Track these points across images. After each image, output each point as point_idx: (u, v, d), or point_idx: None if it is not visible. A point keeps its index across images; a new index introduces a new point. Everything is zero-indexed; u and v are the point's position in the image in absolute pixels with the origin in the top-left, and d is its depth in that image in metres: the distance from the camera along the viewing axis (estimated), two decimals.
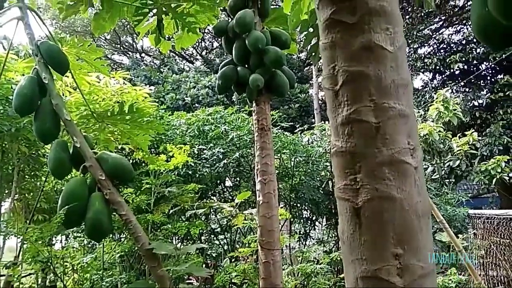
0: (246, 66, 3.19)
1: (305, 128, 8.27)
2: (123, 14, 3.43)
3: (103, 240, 3.34)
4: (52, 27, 17.58)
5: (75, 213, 2.43)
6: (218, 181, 6.16)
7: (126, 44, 23.50)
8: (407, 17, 14.12)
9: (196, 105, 16.91)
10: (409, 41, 13.73)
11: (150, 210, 3.51)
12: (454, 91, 13.22)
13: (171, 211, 3.93)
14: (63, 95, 4.30)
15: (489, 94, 12.96)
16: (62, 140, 2.62)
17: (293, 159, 6.20)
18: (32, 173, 4.64)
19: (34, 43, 2.64)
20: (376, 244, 0.71)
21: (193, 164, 5.02)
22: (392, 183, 0.69)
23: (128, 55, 23.90)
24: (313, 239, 7.17)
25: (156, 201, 3.81)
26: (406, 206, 0.70)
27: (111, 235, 4.23)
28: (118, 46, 23.13)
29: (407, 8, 14.17)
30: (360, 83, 0.69)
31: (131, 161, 4.61)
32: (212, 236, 5.98)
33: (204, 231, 5.52)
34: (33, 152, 4.37)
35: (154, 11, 3.10)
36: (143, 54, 23.58)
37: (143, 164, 4.70)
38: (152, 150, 5.30)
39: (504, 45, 1.42)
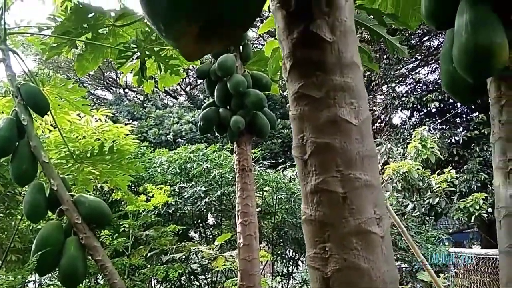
0: (228, 107, 3.24)
1: (287, 166, 8.31)
2: (106, 55, 3.47)
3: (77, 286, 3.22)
4: (36, 63, 17.55)
5: (49, 259, 2.36)
6: (200, 220, 6.07)
7: (110, 79, 23.57)
8: (385, 57, 14.67)
9: (179, 140, 16.87)
10: (387, 80, 14.19)
11: (127, 253, 3.41)
12: (431, 128, 13.58)
13: (149, 254, 3.83)
14: (42, 133, 4.26)
15: (465, 131, 13.36)
16: (39, 182, 2.58)
17: (275, 197, 6.18)
18: (7, 212, 4.51)
19: (15, 85, 2.64)
20: None
21: (173, 203, 4.95)
22: (360, 253, 0.71)
23: (111, 90, 23.93)
24: (296, 279, 7.04)
25: (135, 241, 3.72)
26: (374, 276, 0.71)
27: (86, 280, 4.08)
28: (102, 81, 23.17)
29: (384, 48, 14.74)
30: (327, 154, 0.73)
31: (110, 200, 4.54)
32: (192, 277, 5.83)
33: (184, 272, 5.38)
34: (9, 191, 4.27)
35: (138, 54, 3.15)
36: (126, 89, 23.64)
37: (123, 203, 4.62)
38: (132, 188, 5.23)
39: (471, 100, 1.49)
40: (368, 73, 13.10)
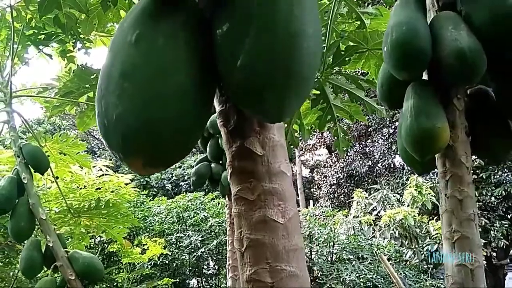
0: (220, 163, 3.40)
1: None
2: None
3: None
4: (43, 110, 18.04)
5: None
6: (197, 269, 6.08)
7: None
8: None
9: (181, 183, 16.98)
10: (386, 124, 14.49)
11: None
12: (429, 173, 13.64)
13: None
14: (44, 184, 4.40)
15: None
16: (36, 239, 2.69)
17: None
18: (7, 261, 4.56)
19: (17, 145, 2.81)
20: None
21: (169, 253, 5.00)
22: None
23: None
24: None
25: None
26: None
27: None
28: None
29: None
30: (258, 249, 0.87)
31: (107, 250, 4.59)
32: None
33: None
34: (10, 241, 4.34)
35: None
36: None
37: (120, 253, 4.68)
38: (130, 237, 5.29)
39: (425, 172, 1.64)
40: (366, 117, 13.39)
